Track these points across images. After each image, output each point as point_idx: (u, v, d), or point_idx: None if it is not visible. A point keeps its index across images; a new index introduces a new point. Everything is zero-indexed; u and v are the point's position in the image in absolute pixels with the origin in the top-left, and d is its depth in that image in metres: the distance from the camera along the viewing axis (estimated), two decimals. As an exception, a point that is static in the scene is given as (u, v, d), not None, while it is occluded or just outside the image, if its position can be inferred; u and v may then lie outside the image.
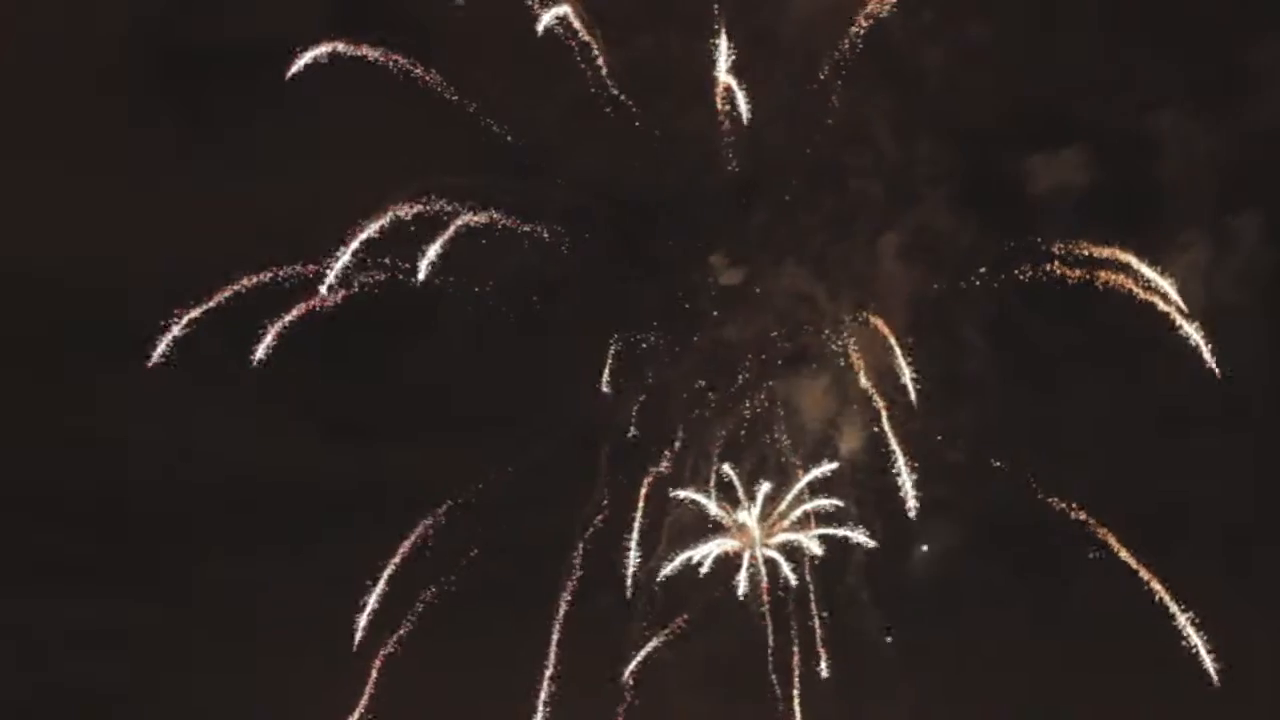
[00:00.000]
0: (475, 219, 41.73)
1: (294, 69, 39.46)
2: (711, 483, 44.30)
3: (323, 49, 39.91)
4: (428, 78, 41.09)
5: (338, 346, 41.47)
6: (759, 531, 44.19)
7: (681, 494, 43.82)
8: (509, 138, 42.14)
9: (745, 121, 41.48)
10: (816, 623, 43.35)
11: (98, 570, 40.15)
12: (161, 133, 41.57)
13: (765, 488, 43.82)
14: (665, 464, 43.79)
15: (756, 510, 44.06)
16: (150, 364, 38.61)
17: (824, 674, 43.02)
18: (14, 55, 39.61)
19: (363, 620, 40.79)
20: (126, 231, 40.79)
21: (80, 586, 40.08)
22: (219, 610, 41.33)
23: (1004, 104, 43.31)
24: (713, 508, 44.02)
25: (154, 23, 41.67)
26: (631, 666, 42.97)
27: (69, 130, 40.85)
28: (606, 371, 42.78)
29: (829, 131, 42.90)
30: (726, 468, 44.06)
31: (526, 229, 43.15)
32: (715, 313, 44.33)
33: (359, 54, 40.48)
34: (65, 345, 40.98)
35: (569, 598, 42.54)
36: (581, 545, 42.88)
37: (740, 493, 44.25)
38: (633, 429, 43.41)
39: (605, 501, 43.12)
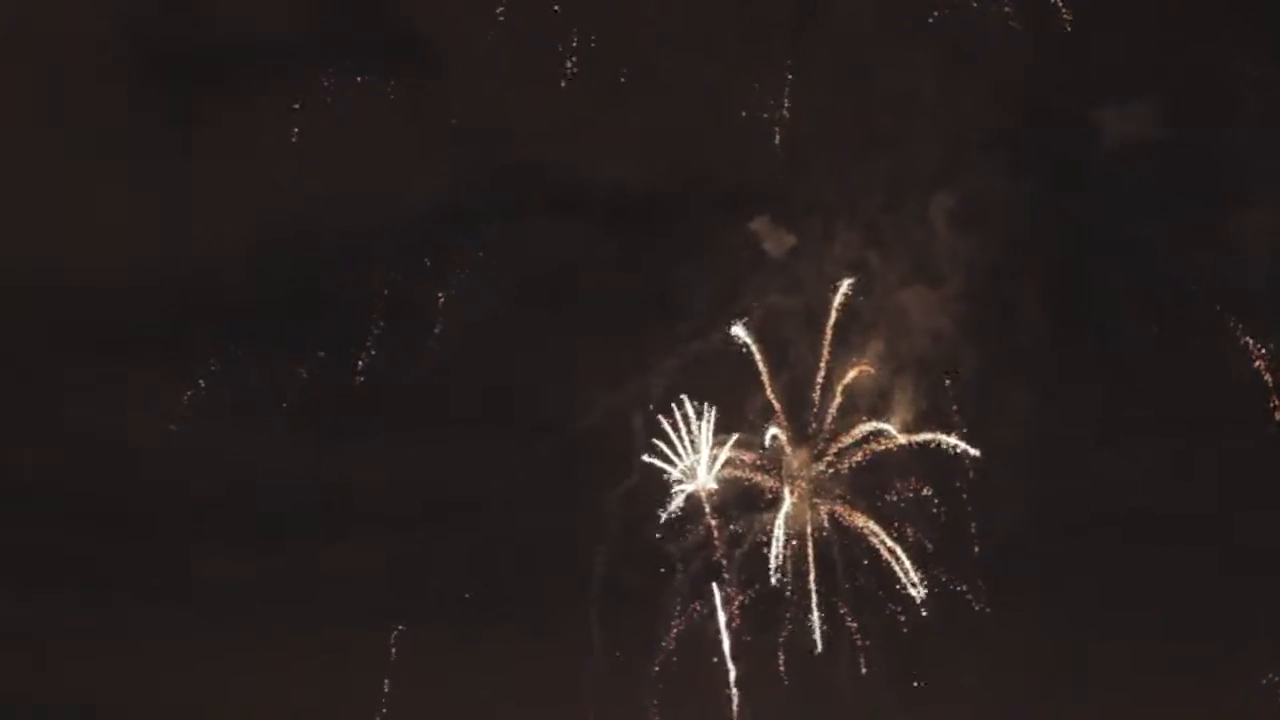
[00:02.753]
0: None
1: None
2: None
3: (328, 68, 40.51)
4: (430, 87, 41.48)
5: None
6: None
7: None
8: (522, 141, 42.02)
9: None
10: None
11: (98, 570, 40.33)
12: (161, 132, 41.79)
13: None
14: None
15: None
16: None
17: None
18: (14, 56, 40.16)
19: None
20: (126, 231, 41.01)
21: (80, 586, 40.28)
22: (219, 610, 41.11)
23: (1071, 53, 40.51)
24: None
25: (153, 24, 42.05)
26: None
27: (69, 131, 41.27)
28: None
29: (881, 90, 40.84)
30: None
31: (556, 224, 43.23)
32: (756, 283, 42.49)
33: (361, 69, 40.92)
34: (65, 345, 41.34)
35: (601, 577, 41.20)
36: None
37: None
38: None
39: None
